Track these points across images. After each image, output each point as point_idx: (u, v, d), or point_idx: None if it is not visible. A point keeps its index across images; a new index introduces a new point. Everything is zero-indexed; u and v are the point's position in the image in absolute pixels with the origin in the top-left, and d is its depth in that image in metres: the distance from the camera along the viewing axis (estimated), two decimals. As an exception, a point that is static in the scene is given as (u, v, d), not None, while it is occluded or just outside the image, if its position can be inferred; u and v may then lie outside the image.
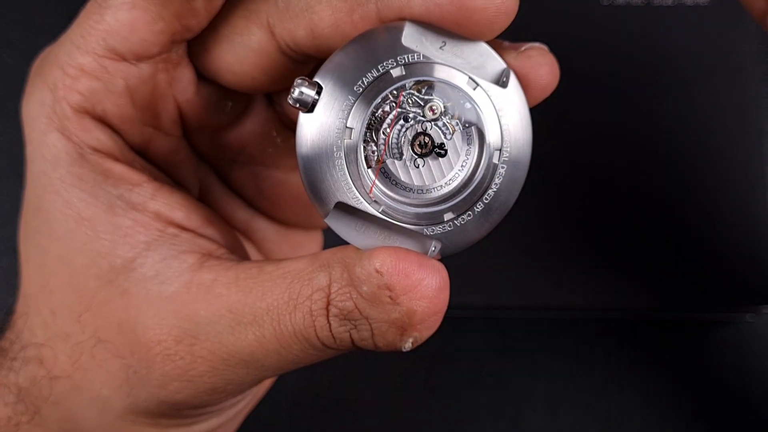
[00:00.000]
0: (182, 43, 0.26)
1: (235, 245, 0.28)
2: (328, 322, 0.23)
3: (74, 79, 0.24)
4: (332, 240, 0.24)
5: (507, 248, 0.44)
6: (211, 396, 0.25)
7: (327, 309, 0.23)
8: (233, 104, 0.28)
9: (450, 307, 0.44)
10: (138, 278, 0.24)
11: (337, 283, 0.23)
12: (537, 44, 0.24)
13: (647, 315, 0.45)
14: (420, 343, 0.24)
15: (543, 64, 0.23)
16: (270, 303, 0.23)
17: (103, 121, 0.25)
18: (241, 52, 0.25)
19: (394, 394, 0.42)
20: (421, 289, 0.22)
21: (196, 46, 0.26)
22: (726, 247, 0.44)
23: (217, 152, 0.30)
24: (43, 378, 0.25)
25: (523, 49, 0.24)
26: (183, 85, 0.26)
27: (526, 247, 0.44)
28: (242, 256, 0.26)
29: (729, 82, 0.46)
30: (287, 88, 0.26)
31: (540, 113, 0.45)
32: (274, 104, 0.29)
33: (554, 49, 0.25)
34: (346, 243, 0.24)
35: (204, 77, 0.27)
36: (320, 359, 0.25)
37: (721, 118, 0.45)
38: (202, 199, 0.30)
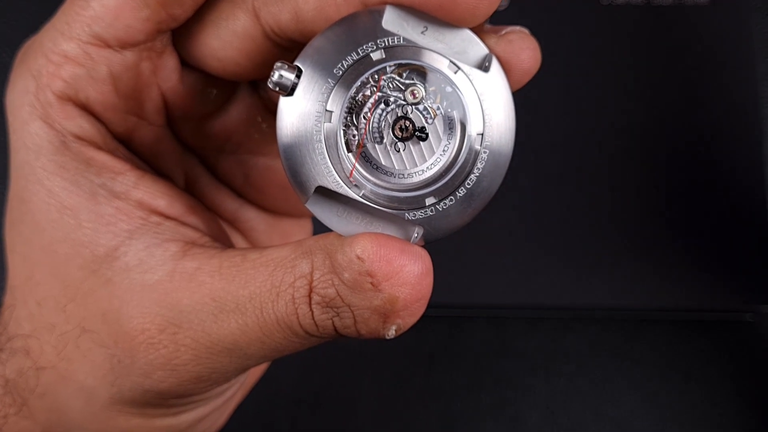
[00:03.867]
0: (167, 32, 0.26)
1: (219, 233, 0.27)
2: (311, 309, 0.23)
3: (58, 66, 0.24)
4: (321, 229, 0.24)
5: (508, 247, 0.44)
6: (195, 384, 0.25)
7: (309, 296, 0.23)
8: (218, 92, 0.28)
9: (450, 306, 0.44)
10: (121, 267, 0.24)
11: (319, 271, 0.23)
12: (518, 27, 0.24)
13: (647, 315, 0.45)
14: (404, 331, 0.23)
15: (524, 48, 0.23)
16: (252, 291, 0.23)
17: (86, 108, 0.25)
18: (226, 37, 0.25)
19: (394, 393, 0.42)
20: (403, 276, 0.22)
21: (181, 32, 0.26)
22: (726, 247, 0.44)
23: (203, 142, 0.30)
24: (29, 369, 0.25)
25: (503, 32, 0.23)
26: (167, 73, 0.26)
27: (526, 246, 0.44)
28: (226, 245, 0.26)
29: (728, 82, 0.46)
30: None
31: (540, 113, 0.45)
32: (258, 90, 0.29)
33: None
34: (331, 230, 0.23)
35: (188, 65, 0.27)
36: (304, 347, 0.24)
37: (721, 117, 0.45)
38: (188, 190, 0.30)
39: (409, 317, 0.23)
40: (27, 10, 0.46)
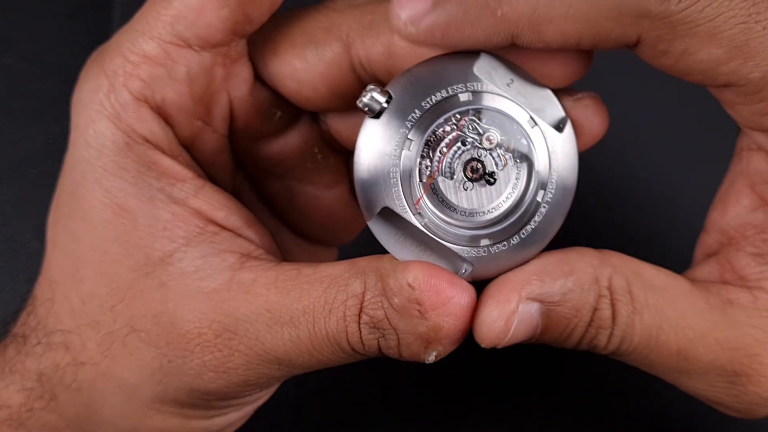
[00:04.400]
0: (242, 39, 0.26)
1: (272, 248, 0.28)
2: (359, 328, 0.24)
3: (136, 66, 0.25)
4: (345, 257, 0.25)
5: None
6: (242, 388, 0.25)
7: (359, 315, 0.24)
8: (282, 114, 0.29)
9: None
10: (177, 272, 0.25)
11: (370, 292, 0.24)
12: (591, 93, 0.25)
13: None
14: (443, 357, 0.24)
15: (597, 114, 0.25)
16: (306, 305, 0.24)
17: (160, 110, 0.26)
18: (312, 60, 0.26)
19: (393, 394, 0.42)
20: (450, 307, 0.23)
21: (267, 47, 0.27)
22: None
23: (255, 160, 0.30)
24: (67, 364, 0.26)
25: (579, 96, 0.25)
26: (238, 82, 0.27)
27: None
28: (279, 259, 0.27)
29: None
30: (341, 109, 0.28)
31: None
32: (319, 122, 0.30)
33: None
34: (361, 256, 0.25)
35: (261, 82, 0.28)
36: (347, 362, 0.25)
37: (722, 117, 0.45)
38: None
39: (450, 345, 0.24)
40: (27, 10, 0.46)
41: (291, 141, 0.30)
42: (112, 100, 0.25)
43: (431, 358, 0.24)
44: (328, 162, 0.31)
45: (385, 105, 0.23)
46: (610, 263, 0.24)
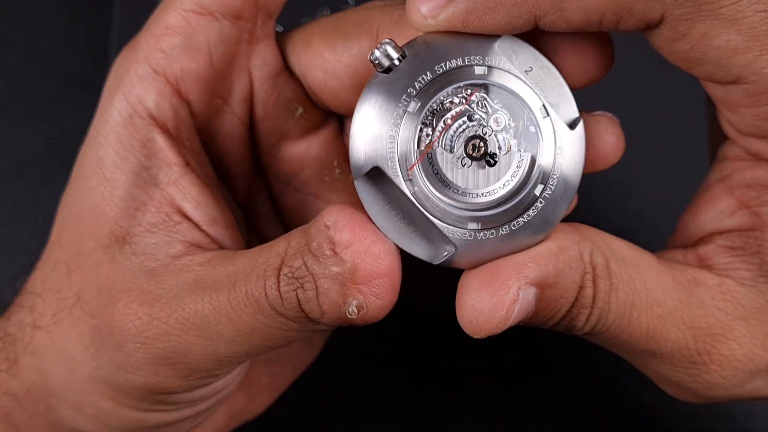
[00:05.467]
0: (268, 20, 0.27)
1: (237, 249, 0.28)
2: (278, 281, 0.23)
3: (159, 38, 0.26)
4: None
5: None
6: (162, 366, 0.25)
7: (279, 269, 0.23)
8: (303, 112, 0.29)
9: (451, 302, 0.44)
10: (128, 252, 0.25)
11: (293, 247, 0.23)
12: (609, 114, 0.25)
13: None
14: (368, 315, 0.23)
15: (609, 132, 0.24)
16: (231, 270, 0.24)
17: (178, 83, 0.26)
18: (341, 51, 0.26)
19: (392, 396, 0.42)
20: (365, 245, 0.22)
21: (301, 39, 0.27)
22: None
23: (275, 165, 0.30)
24: (27, 325, 0.26)
25: (594, 113, 0.24)
26: (261, 63, 0.27)
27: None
28: None
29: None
30: None
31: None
32: (343, 135, 0.30)
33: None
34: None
35: (288, 77, 0.28)
36: (273, 334, 0.24)
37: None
38: (247, 212, 0.30)
39: (372, 296, 0.22)
40: (27, 10, 0.46)
41: (312, 148, 0.29)
42: (131, 73, 0.26)
43: (352, 309, 0.22)
44: (346, 179, 0.30)
45: (396, 62, 0.22)
46: (588, 238, 0.24)
